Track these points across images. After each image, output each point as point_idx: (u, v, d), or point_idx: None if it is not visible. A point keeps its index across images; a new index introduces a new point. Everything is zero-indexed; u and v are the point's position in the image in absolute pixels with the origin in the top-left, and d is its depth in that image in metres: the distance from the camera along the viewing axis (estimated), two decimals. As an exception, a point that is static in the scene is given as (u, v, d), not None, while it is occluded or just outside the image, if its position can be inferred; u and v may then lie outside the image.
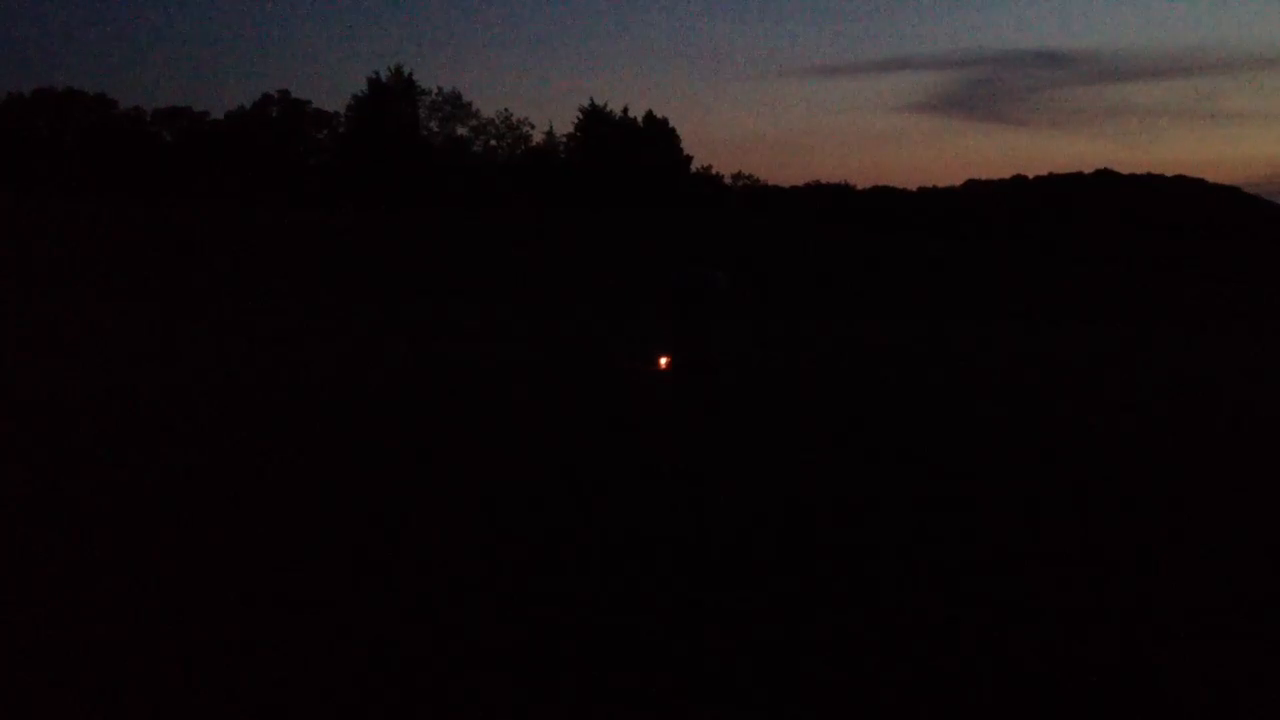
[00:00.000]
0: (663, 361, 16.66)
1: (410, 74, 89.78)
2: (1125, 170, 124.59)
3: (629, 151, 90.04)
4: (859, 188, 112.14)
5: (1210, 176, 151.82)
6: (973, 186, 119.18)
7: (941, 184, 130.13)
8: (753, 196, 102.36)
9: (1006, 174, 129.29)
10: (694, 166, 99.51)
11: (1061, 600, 5.88)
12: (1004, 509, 8.16)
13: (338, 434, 10.57)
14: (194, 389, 12.94)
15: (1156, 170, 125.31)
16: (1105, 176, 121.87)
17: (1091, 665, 4.96)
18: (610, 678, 4.66)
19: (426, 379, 14.89)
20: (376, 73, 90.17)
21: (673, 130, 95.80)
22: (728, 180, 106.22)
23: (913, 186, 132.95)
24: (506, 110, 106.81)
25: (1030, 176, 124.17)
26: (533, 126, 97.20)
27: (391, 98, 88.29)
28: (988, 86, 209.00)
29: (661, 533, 7.07)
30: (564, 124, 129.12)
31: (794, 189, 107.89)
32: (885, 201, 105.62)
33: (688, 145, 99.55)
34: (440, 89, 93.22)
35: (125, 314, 24.36)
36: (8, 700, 4.25)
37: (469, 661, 4.76)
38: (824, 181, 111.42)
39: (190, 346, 18.29)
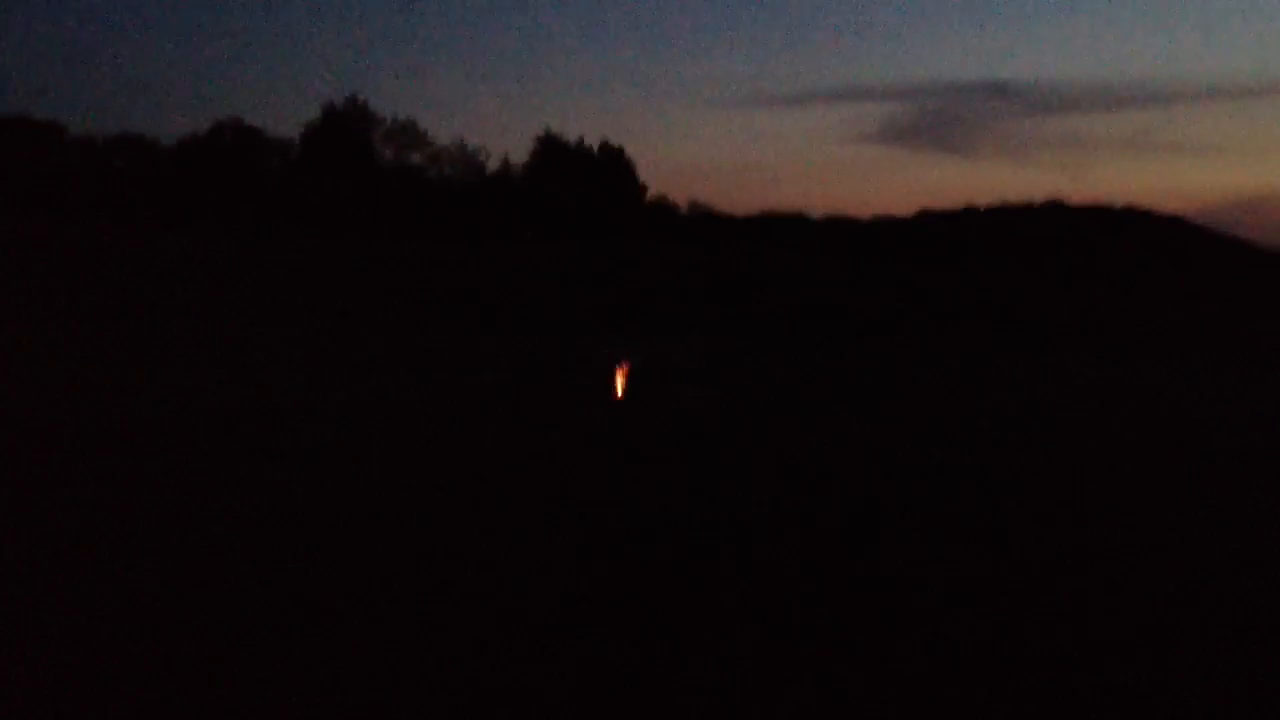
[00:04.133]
0: (619, 380, 16.35)
1: (365, 101, 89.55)
2: (1074, 201, 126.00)
3: (584, 180, 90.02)
4: (813, 217, 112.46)
5: (1157, 207, 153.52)
6: (925, 216, 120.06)
7: (894, 213, 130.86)
8: (707, 225, 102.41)
9: (958, 204, 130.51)
10: (649, 195, 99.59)
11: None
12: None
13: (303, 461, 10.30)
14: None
15: (1105, 201, 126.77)
16: (1055, 207, 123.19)
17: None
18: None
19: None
20: (331, 101, 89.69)
21: (628, 159, 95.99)
22: (683, 209, 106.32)
23: (866, 216, 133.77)
24: (461, 138, 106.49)
25: (981, 207, 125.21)
26: (488, 154, 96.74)
27: (345, 125, 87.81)
28: (937, 117, 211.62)
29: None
30: (520, 152, 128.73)
31: (749, 218, 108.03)
32: (840, 231, 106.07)
33: (643, 174, 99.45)
34: (395, 117, 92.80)
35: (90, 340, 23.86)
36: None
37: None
38: (778, 210, 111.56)
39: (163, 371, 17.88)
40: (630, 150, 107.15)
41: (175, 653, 5.10)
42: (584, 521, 8.46)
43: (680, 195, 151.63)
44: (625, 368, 16.60)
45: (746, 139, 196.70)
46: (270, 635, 5.44)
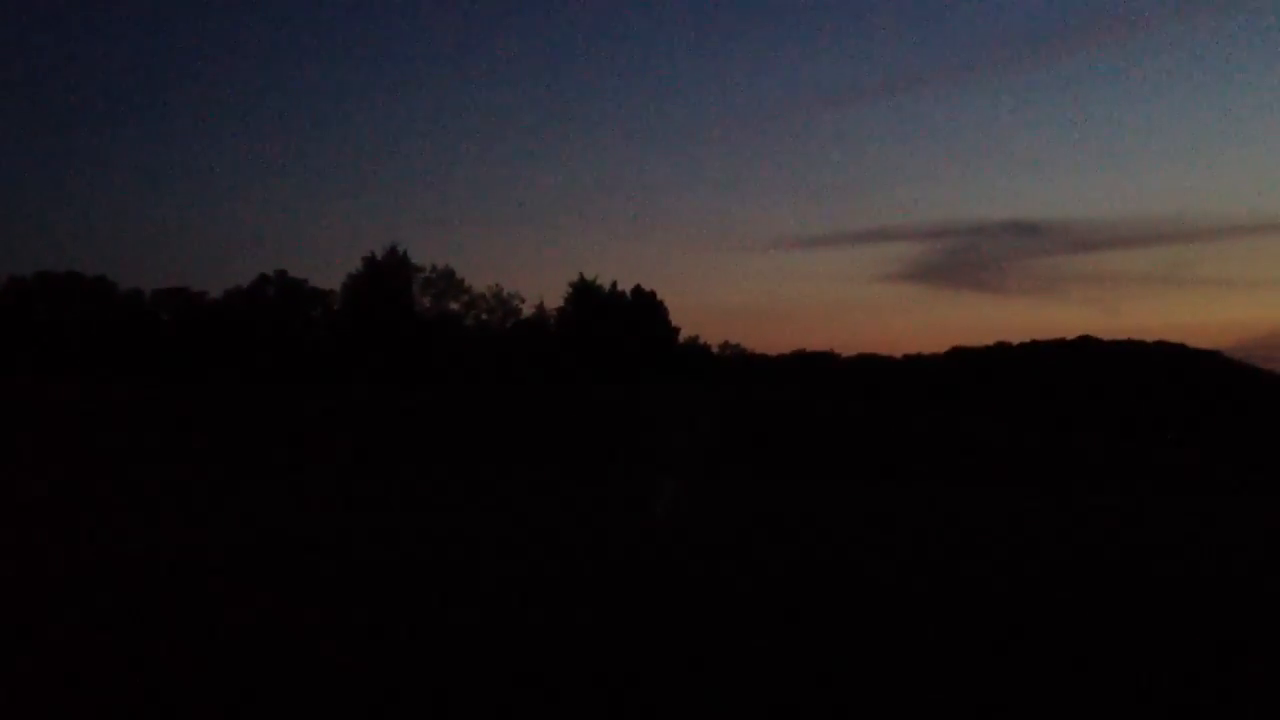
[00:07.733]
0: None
1: (405, 251, 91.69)
2: (1106, 336, 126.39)
3: (619, 324, 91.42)
4: (844, 355, 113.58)
5: (1189, 342, 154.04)
6: (956, 354, 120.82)
7: (925, 351, 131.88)
8: (740, 365, 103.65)
9: (989, 341, 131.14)
10: (682, 337, 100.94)
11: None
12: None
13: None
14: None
15: (1136, 336, 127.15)
16: (1087, 343, 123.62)
17: None
18: None
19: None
20: (372, 252, 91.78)
21: (660, 303, 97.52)
22: (715, 350, 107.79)
23: (897, 354, 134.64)
24: (497, 284, 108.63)
25: (1014, 344, 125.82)
26: (523, 300, 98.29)
27: (386, 275, 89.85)
28: (966, 256, 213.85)
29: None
30: (554, 297, 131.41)
31: (780, 357, 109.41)
32: (871, 369, 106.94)
33: (676, 316, 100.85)
34: (434, 265, 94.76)
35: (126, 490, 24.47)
36: None
37: None
38: (809, 349, 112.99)
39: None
40: (663, 293, 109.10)
41: None
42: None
43: (713, 336, 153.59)
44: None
45: (777, 280, 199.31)
46: None
